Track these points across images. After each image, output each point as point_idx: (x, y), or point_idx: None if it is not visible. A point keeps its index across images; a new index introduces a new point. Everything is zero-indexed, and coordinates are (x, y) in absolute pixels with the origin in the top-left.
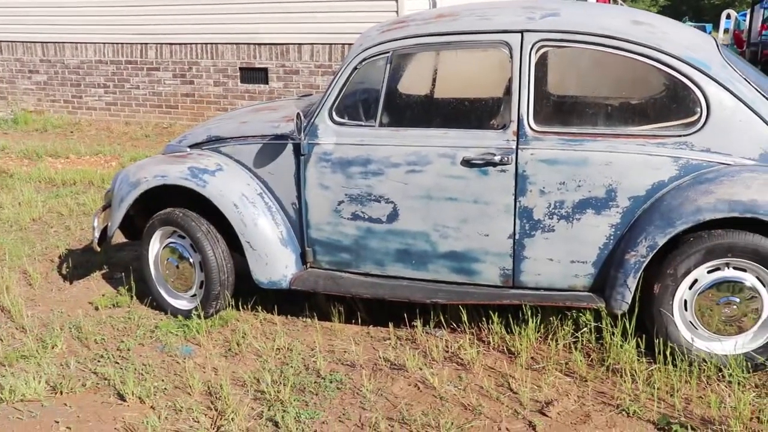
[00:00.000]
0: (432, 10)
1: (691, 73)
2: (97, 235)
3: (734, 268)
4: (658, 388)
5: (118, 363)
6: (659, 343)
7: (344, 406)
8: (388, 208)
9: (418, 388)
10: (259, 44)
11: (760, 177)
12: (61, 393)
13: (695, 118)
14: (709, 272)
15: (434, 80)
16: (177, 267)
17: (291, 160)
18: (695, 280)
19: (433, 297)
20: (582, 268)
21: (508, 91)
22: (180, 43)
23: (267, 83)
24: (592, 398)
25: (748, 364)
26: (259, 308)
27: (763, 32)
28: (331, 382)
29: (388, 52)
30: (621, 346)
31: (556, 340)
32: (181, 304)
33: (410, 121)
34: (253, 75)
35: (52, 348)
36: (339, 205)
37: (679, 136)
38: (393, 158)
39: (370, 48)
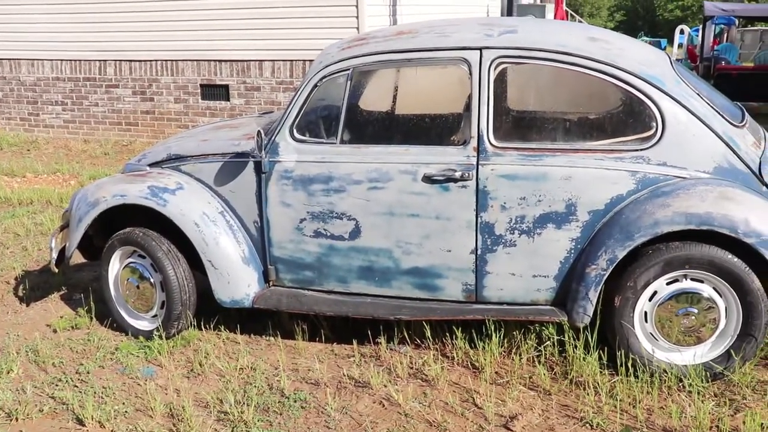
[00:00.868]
0: (392, 28)
1: (646, 89)
2: (54, 255)
3: (692, 279)
4: (620, 400)
5: (76, 386)
6: (621, 355)
7: (309, 425)
8: (350, 225)
9: (383, 406)
10: (220, 61)
11: (715, 190)
12: (17, 419)
13: (651, 132)
14: (668, 284)
15: (395, 97)
16: (137, 287)
17: (252, 178)
18: (655, 292)
19: (397, 313)
20: (544, 282)
21: (467, 107)
22: (140, 60)
23: (228, 100)
24: (556, 411)
25: (707, 373)
26: (222, 327)
27: (715, 47)
28: (295, 402)
29: (348, 69)
30: (584, 359)
31: (520, 354)
32: (142, 324)
33: (371, 138)
34: (214, 92)
35: (8, 373)
36: (301, 222)
37: (636, 150)
38: (354, 175)
39: (330, 65)
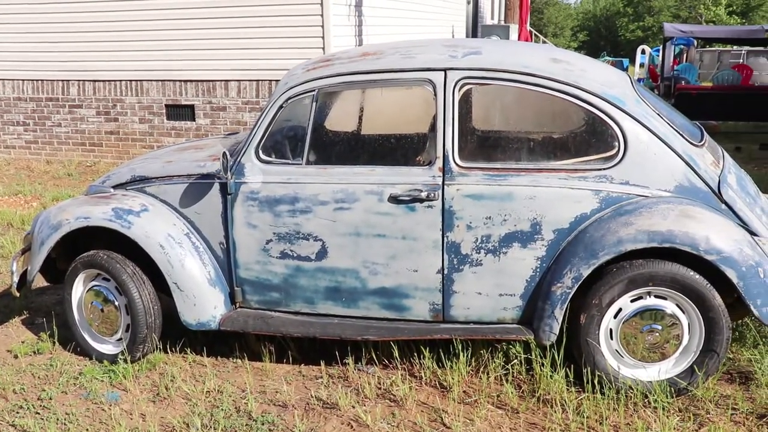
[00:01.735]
0: (357, 49)
1: (607, 109)
2: (16, 279)
3: (655, 296)
4: (587, 417)
5: (38, 413)
6: (587, 372)
7: None
8: (316, 245)
9: (352, 427)
10: (186, 81)
11: (676, 208)
12: None
13: (614, 152)
14: (632, 301)
15: (360, 118)
16: (102, 310)
17: (218, 200)
18: (619, 309)
19: (365, 334)
20: (510, 301)
21: (432, 127)
22: (103, 80)
23: (194, 120)
24: (524, 429)
25: (672, 389)
26: (188, 350)
27: (675, 67)
28: (263, 424)
29: (313, 91)
30: (551, 377)
31: (488, 373)
32: (107, 348)
33: (337, 159)
34: (180, 112)
35: None
36: (267, 243)
37: (599, 169)
38: (320, 196)
39: (295, 86)
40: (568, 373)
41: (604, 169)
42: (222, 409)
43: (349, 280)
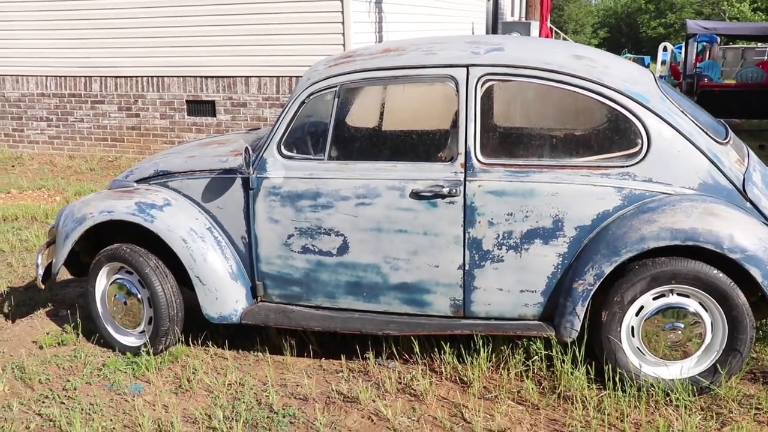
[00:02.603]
0: (378, 45)
1: (631, 106)
2: (41, 272)
3: (678, 294)
4: (608, 414)
5: (63, 403)
6: (608, 369)
7: None
8: (338, 240)
9: (372, 421)
10: (206, 77)
11: (700, 206)
12: None
13: (637, 149)
14: (654, 299)
15: (382, 114)
16: (125, 303)
17: (240, 194)
18: (641, 307)
19: (385, 329)
20: (531, 298)
21: (455, 124)
22: (125, 76)
23: (214, 116)
24: (544, 426)
25: (694, 387)
26: (210, 343)
27: (698, 65)
28: (284, 417)
29: (335, 86)
30: (571, 374)
31: (508, 369)
32: (130, 340)
33: (359, 155)
34: (201, 108)
35: None
36: (289, 238)
37: (622, 166)
38: (342, 191)
39: (317, 82)
40: (589, 370)
41: (627, 166)
42: (243, 402)
43: (370, 275)
